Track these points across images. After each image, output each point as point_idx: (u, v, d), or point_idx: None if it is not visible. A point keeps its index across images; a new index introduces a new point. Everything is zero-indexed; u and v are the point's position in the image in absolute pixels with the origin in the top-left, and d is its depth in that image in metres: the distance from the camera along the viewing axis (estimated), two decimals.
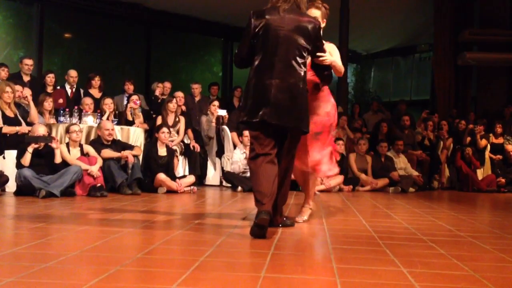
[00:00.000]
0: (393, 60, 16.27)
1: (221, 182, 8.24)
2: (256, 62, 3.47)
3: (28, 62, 7.96)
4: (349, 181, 8.19)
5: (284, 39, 3.44)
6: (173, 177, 6.92)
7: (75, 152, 6.35)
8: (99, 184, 6.08)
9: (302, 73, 3.49)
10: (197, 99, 9.34)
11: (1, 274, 2.21)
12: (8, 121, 6.53)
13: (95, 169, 6.15)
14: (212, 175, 8.37)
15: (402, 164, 8.74)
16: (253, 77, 3.48)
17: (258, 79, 3.45)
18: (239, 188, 7.34)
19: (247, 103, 3.50)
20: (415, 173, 8.70)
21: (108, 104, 7.62)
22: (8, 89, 6.54)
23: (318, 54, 3.72)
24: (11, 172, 6.09)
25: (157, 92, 9.04)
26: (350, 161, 8.52)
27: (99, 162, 6.31)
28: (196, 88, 9.39)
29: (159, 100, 8.90)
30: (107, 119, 7.30)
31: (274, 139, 3.49)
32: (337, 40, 11.54)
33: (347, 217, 4.82)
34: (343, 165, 8.28)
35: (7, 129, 6.48)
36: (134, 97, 8.00)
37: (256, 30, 3.46)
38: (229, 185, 7.76)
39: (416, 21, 13.21)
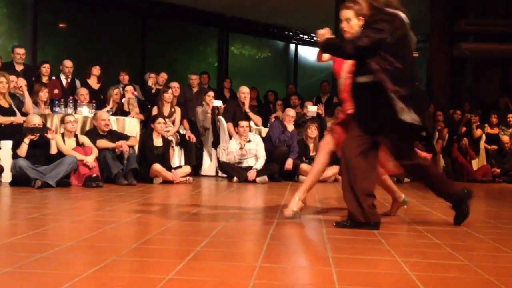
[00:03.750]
0: None
1: (216, 172, 8.24)
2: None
3: (20, 51, 7.92)
4: None
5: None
6: (169, 168, 6.92)
7: (71, 142, 6.34)
8: (94, 175, 6.07)
9: None
10: (195, 90, 9.32)
11: None
12: (2, 111, 6.50)
13: (90, 159, 6.13)
14: (208, 166, 8.37)
15: None
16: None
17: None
18: (235, 179, 7.35)
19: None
20: None
21: (109, 94, 7.65)
22: (2, 79, 6.50)
23: None
24: (6, 162, 6.07)
25: (150, 83, 9.02)
26: None
27: (95, 153, 6.30)
28: (194, 79, 9.37)
29: (153, 91, 8.88)
30: (107, 109, 7.30)
31: None
32: (334, 31, 11.50)
33: (343, 206, 4.83)
34: (337, 155, 8.29)
35: (1, 120, 6.45)
36: (130, 88, 7.98)
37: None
38: (224, 175, 7.77)
39: (411, 11, 13.16)
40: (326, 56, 3.97)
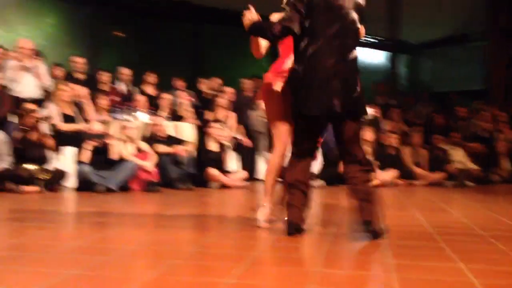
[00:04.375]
0: (445, 49, 15.80)
1: None
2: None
3: (80, 60, 8.20)
4: (403, 175, 8.03)
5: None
6: (225, 172, 6.99)
7: (130, 148, 6.51)
8: (153, 179, 6.21)
9: None
10: (248, 94, 9.38)
11: (65, 267, 2.30)
12: (66, 119, 6.76)
13: (149, 164, 6.28)
14: (264, 170, 8.38)
15: (458, 156, 8.49)
16: None
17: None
18: None
19: None
20: (472, 166, 8.44)
21: (166, 100, 7.79)
22: (65, 88, 6.76)
23: None
24: (70, 168, 6.29)
25: (204, 88, 9.13)
26: (403, 154, 8.35)
27: (153, 158, 6.45)
28: (247, 84, 9.43)
29: (207, 96, 8.99)
30: (164, 115, 7.46)
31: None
32: (388, 31, 11.33)
33: (402, 212, 4.73)
34: (397, 158, 8.13)
35: (65, 127, 6.71)
36: (184, 93, 8.12)
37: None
38: (280, 179, 7.75)
39: (469, 8, 12.78)
40: (264, 43, 3.45)
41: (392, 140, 8.19)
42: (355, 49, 3.18)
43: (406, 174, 8.09)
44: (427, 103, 10.92)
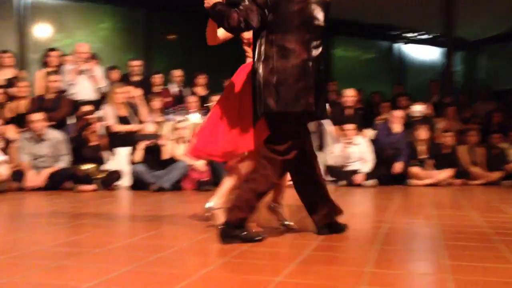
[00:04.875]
0: (503, 46, 15.25)
1: (324, 176, 8.19)
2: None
3: (136, 63, 8.40)
4: (459, 174, 7.80)
5: None
6: None
7: (182, 148, 6.62)
8: (205, 179, 6.29)
9: None
10: None
11: (118, 263, 2.36)
12: (121, 120, 6.95)
13: (201, 164, 6.36)
14: None
15: None
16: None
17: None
18: (342, 182, 7.26)
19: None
20: None
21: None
22: (120, 90, 6.95)
23: None
24: (124, 168, 6.46)
25: None
26: (460, 153, 8.12)
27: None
28: None
29: None
30: None
31: None
32: (443, 27, 11.04)
33: (458, 212, 4.61)
34: (452, 157, 7.92)
35: (120, 128, 6.90)
36: None
37: None
38: (331, 179, 7.71)
39: None
40: (221, 32, 3.19)
41: (448, 138, 7.97)
42: (321, 45, 2.98)
43: (462, 174, 7.86)
44: (486, 101, 10.57)
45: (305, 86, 2.87)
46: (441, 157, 7.78)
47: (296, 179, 3.27)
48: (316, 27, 2.97)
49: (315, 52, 2.94)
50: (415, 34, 14.55)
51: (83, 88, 7.35)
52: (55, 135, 6.26)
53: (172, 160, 6.37)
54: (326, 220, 3.19)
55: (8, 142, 6.35)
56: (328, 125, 8.13)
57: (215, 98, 7.94)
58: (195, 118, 7.54)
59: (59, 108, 6.94)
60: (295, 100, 2.86)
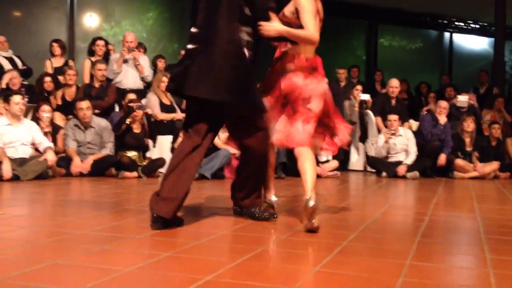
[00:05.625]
0: None
1: (365, 167, 8.12)
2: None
3: (182, 52, 8.50)
4: (506, 167, 7.59)
5: None
6: (317, 162, 6.97)
7: (224, 136, 6.67)
8: None
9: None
10: (342, 84, 9.27)
11: (159, 249, 2.42)
12: (164, 108, 7.06)
13: None
14: (356, 160, 8.27)
15: None
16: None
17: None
18: (384, 174, 7.18)
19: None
20: None
21: None
22: (164, 78, 7.05)
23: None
24: (167, 156, 6.56)
25: None
26: (507, 146, 7.89)
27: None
28: (342, 73, 9.32)
29: None
30: None
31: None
32: (493, 16, 10.70)
33: (503, 206, 4.49)
34: (499, 150, 7.70)
35: (163, 116, 7.01)
36: None
37: None
38: (373, 170, 7.62)
39: None
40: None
41: (495, 130, 7.76)
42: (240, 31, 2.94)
43: (509, 167, 7.64)
44: None
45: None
46: (487, 150, 7.59)
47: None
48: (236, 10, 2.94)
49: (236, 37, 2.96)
50: (465, 23, 14.15)
51: (129, 77, 7.50)
52: (101, 122, 6.42)
53: (214, 148, 6.43)
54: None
55: (55, 129, 6.55)
56: (372, 116, 8.04)
57: None
58: None
59: (105, 97, 7.10)
60: None
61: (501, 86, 10.13)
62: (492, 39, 12.37)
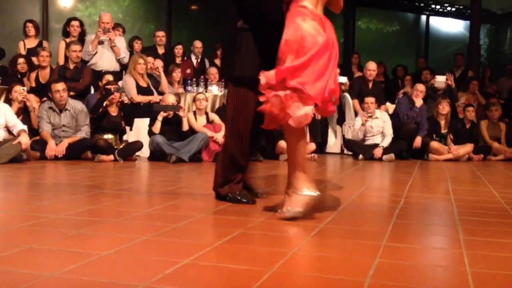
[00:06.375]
0: None
1: (342, 150, 8.18)
2: None
3: (159, 34, 8.41)
4: (479, 149, 7.73)
5: None
6: None
7: (202, 119, 6.64)
8: None
9: None
10: None
11: (136, 232, 2.41)
12: (141, 90, 6.98)
13: (220, 136, 6.39)
14: (333, 143, 8.33)
15: None
16: None
17: None
18: (360, 156, 7.24)
19: None
20: None
21: None
22: (141, 60, 6.97)
23: None
24: (144, 139, 6.52)
25: None
26: (481, 128, 8.02)
27: (224, 129, 6.55)
28: None
29: None
30: None
31: None
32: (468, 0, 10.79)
33: (476, 187, 4.57)
34: (473, 132, 7.83)
35: (140, 98, 6.94)
36: None
37: None
38: (350, 153, 7.69)
39: None
40: None
41: (469, 113, 7.87)
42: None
43: (483, 149, 7.78)
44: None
45: None
46: (462, 132, 7.70)
47: None
48: None
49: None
50: (441, 6, 14.25)
51: (105, 59, 7.39)
52: (76, 105, 6.33)
53: (191, 132, 6.41)
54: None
55: (29, 111, 6.44)
56: (349, 98, 8.08)
57: None
58: (214, 89, 7.55)
59: (80, 79, 7.00)
60: None
61: (476, 69, 10.26)
62: (468, 22, 12.51)
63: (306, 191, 2.75)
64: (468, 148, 7.51)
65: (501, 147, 7.87)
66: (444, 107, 7.60)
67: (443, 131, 7.62)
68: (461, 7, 14.08)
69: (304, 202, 2.73)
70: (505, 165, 7.02)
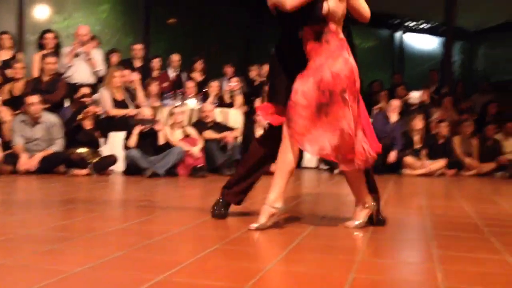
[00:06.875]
0: (504, 36, 15.20)
1: (318, 164, 8.21)
2: None
3: (136, 47, 8.37)
4: (452, 165, 7.84)
5: None
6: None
7: (178, 133, 6.61)
8: (200, 165, 6.30)
9: None
10: None
11: (110, 248, 2.37)
12: (117, 104, 6.93)
13: (196, 150, 6.37)
14: (309, 157, 8.36)
15: (511, 147, 8.20)
16: None
17: None
18: (336, 170, 7.27)
19: None
20: None
21: (214, 86, 7.84)
22: (117, 73, 6.93)
23: None
24: (119, 152, 6.46)
25: (253, 74, 9.15)
26: (454, 144, 8.14)
27: (201, 144, 6.54)
28: None
29: (256, 83, 9.00)
30: (212, 102, 7.54)
31: None
32: (443, 16, 11.00)
33: (449, 202, 4.63)
34: (446, 148, 7.94)
35: (115, 112, 6.88)
36: (233, 80, 8.17)
37: None
38: (326, 167, 7.72)
39: None
40: None
41: (442, 129, 7.99)
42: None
43: (456, 164, 7.89)
44: (485, 92, 10.55)
45: None
46: (435, 147, 7.81)
47: None
48: None
49: None
50: (416, 23, 14.51)
51: (80, 71, 7.32)
52: (50, 118, 6.25)
53: (167, 146, 6.37)
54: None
55: (1, 124, 6.33)
56: None
57: (213, 83, 7.96)
58: (192, 103, 7.53)
59: (55, 91, 6.91)
60: None
61: (449, 85, 10.44)
62: (442, 39, 12.74)
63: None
64: (441, 163, 7.61)
65: (473, 162, 8.00)
66: (418, 123, 7.70)
67: (417, 146, 7.72)
68: (436, 24, 14.35)
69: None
70: (477, 181, 7.13)
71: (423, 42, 15.09)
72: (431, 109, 8.73)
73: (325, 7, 2.77)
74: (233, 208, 3.56)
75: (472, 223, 3.38)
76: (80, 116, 6.15)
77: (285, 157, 2.89)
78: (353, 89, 2.82)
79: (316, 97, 2.77)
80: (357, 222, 3.04)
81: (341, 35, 2.89)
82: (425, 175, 7.40)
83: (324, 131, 2.79)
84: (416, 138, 7.77)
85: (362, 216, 3.06)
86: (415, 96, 8.33)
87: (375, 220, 3.08)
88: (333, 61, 2.79)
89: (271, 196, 2.92)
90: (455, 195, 5.20)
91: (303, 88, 2.79)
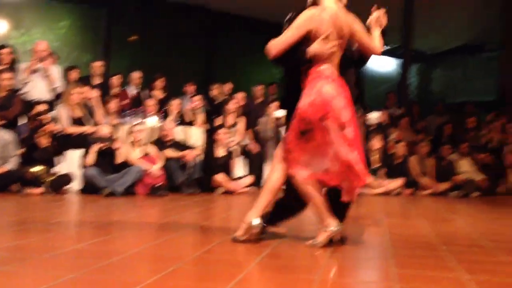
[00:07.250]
0: (459, 59, 15.73)
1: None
2: None
3: (95, 64, 8.25)
4: (409, 184, 7.99)
5: None
6: (232, 178, 6.99)
7: (138, 152, 6.53)
8: (159, 184, 6.22)
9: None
10: (259, 100, 9.37)
11: (65, 270, 2.30)
12: (75, 121, 6.79)
13: (156, 169, 6.30)
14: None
15: (465, 167, 8.44)
16: None
17: None
18: None
19: None
20: (479, 177, 8.37)
21: (175, 105, 7.78)
22: (75, 90, 6.81)
23: None
24: (75, 171, 6.31)
25: (215, 93, 9.15)
26: (410, 164, 8.31)
27: (160, 162, 6.47)
28: (258, 90, 9.44)
29: (217, 101, 9.00)
30: (172, 120, 7.48)
31: None
32: (400, 39, 11.30)
33: (407, 221, 4.71)
34: (403, 167, 8.10)
35: (73, 129, 6.74)
36: (195, 98, 8.15)
37: None
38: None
39: (483, 18, 12.73)
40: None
41: (399, 149, 8.16)
42: None
43: (412, 184, 8.06)
44: (441, 113, 10.84)
45: None
46: (392, 167, 7.95)
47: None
48: None
49: None
50: None
51: (37, 88, 7.16)
52: (5, 135, 6.07)
53: (126, 164, 6.27)
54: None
55: None
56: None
57: (174, 101, 7.91)
58: (152, 121, 7.46)
59: (10, 107, 6.73)
60: None
61: (406, 106, 10.68)
62: (400, 61, 13.07)
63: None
64: (398, 182, 7.74)
65: (429, 182, 8.17)
66: (377, 143, 7.84)
67: (376, 165, 7.84)
68: (394, 46, 14.73)
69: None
70: (433, 200, 7.28)
71: (381, 64, 15.45)
72: (389, 129, 8.90)
73: (309, 50, 3.02)
74: (193, 227, 3.53)
75: (428, 241, 3.44)
76: (36, 134, 6.00)
77: (272, 176, 3.13)
78: (337, 117, 2.98)
79: (296, 124, 2.99)
80: (316, 242, 3.04)
81: (321, 67, 3.07)
82: (382, 194, 7.51)
83: (312, 156, 2.99)
84: (374, 158, 7.89)
85: (322, 236, 3.06)
86: (374, 117, 8.48)
87: (335, 240, 3.10)
88: (309, 92, 3.01)
89: (251, 212, 3.08)
90: (412, 214, 5.30)
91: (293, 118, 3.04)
